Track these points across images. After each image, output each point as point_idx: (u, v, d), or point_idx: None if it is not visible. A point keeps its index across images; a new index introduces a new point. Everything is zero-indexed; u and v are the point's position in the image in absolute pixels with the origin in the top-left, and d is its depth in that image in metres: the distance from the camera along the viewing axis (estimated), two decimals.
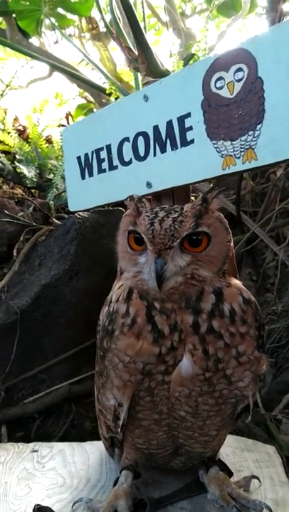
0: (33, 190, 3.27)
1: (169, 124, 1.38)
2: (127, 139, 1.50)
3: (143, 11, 3.82)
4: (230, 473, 1.25)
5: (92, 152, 1.62)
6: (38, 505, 1.10)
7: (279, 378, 2.00)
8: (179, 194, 1.46)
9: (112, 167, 1.56)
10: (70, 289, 2.22)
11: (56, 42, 4.51)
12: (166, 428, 1.13)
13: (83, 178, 1.66)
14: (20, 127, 4.14)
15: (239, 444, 1.52)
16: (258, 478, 1.26)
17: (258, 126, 1.19)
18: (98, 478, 1.33)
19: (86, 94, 4.52)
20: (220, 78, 1.27)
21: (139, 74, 3.11)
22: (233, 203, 2.65)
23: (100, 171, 1.60)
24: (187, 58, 3.32)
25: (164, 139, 1.39)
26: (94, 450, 1.49)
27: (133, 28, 2.80)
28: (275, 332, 2.11)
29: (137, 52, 2.87)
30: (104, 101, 4.13)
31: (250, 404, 1.12)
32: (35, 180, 3.01)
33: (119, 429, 1.13)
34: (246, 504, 1.14)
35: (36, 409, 2.10)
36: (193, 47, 4.01)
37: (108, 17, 3.89)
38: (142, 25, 3.01)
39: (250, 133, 1.21)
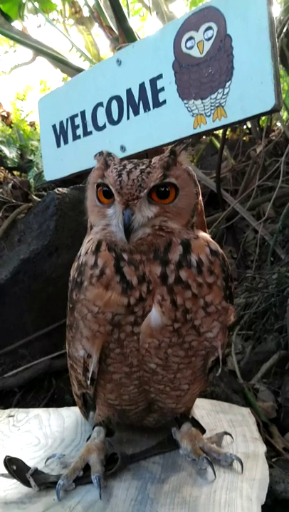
0: (15, 172, 3.25)
1: (142, 86, 1.38)
2: (100, 104, 1.49)
3: None
4: (202, 430, 1.26)
5: (67, 119, 1.61)
6: (8, 456, 1.10)
7: (257, 349, 2.02)
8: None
9: (86, 133, 1.55)
10: (50, 265, 2.22)
11: (39, 26, 4.48)
12: (137, 382, 1.14)
13: (58, 146, 1.66)
14: (4, 113, 4.12)
15: (215, 407, 1.53)
16: (230, 435, 1.28)
17: (227, 84, 1.20)
18: (73, 438, 1.34)
19: (70, 79, 4.49)
20: (190, 38, 1.27)
21: None
22: (215, 181, 2.66)
23: (75, 137, 1.59)
24: None
25: (136, 101, 1.39)
26: (70, 414, 1.50)
27: (114, 7, 2.78)
28: (254, 304, 2.13)
29: (117, 32, 2.85)
30: None
31: (219, 356, 1.13)
32: (16, 160, 3.00)
33: (88, 382, 1.13)
34: (217, 457, 1.16)
35: (16, 384, 2.11)
36: None
37: (91, 1, 3.87)
38: (125, 10, 3.00)
39: (220, 91, 1.21)
